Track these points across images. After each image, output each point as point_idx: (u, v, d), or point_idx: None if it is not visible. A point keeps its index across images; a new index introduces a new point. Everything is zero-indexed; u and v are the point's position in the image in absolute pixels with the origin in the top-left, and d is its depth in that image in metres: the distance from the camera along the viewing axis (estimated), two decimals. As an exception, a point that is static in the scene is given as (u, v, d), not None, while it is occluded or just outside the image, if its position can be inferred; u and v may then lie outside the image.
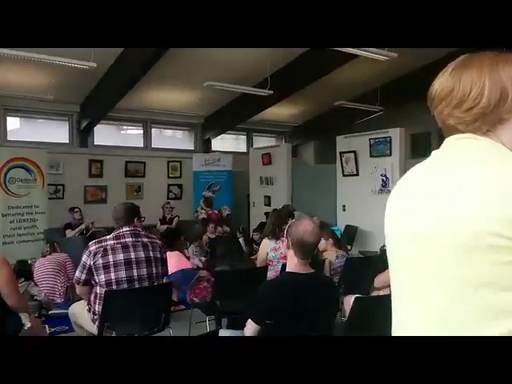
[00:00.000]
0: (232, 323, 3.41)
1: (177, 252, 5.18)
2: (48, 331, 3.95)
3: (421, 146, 9.22)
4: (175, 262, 4.70)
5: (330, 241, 4.19)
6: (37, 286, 4.46)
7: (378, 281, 3.14)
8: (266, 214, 7.80)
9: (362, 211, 6.78)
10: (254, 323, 2.12)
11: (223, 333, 2.43)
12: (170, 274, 4.37)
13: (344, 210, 7.22)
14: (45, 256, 4.98)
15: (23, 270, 4.36)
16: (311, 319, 2.14)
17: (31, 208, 6.65)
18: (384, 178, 6.55)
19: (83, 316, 2.92)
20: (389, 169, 6.47)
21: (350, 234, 6.72)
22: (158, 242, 3.05)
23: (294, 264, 2.18)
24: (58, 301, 4.65)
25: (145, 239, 2.94)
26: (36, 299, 4.33)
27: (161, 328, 2.90)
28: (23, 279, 4.27)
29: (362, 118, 9.30)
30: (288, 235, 2.20)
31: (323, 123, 10.12)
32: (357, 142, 6.97)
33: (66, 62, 5.12)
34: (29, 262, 4.93)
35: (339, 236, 6.13)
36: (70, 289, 4.57)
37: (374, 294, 3.25)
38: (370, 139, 6.72)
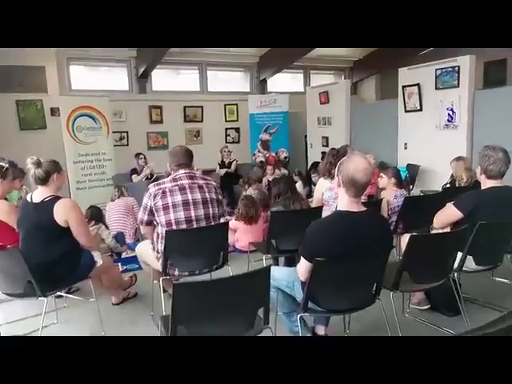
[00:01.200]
0: (288, 261, 3.52)
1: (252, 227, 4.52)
2: (121, 268, 4.32)
3: (495, 75, 8.46)
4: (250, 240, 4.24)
5: (393, 180, 4.06)
6: (107, 228, 4.80)
7: (437, 220, 3.05)
8: (323, 153, 7.69)
9: (424, 149, 6.47)
10: (305, 260, 2.17)
11: (274, 269, 2.50)
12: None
13: (406, 148, 6.91)
14: (114, 200, 5.32)
15: (95, 215, 4.67)
16: (363, 257, 2.14)
17: (99, 155, 7.02)
18: (450, 112, 6.12)
19: (149, 254, 3.13)
20: (456, 101, 6.02)
21: (412, 173, 6.48)
22: (214, 183, 3.13)
23: (344, 202, 2.16)
24: (129, 241, 5.01)
25: (200, 181, 3.03)
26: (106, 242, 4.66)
27: (220, 266, 3.05)
28: (94, 223, 4.58)
29: (427, 47, 8.60)
30: (339, 173, 2.16)
31: (385, 56, 9.49)
32: (421, 73, 6.49)
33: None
34: (99, 207, 5.26)
35: (404, 177, 5.96)
36: (138, 230, 4.88)
37: (434, 232, 3.17)
38: (436, 69, 6.23)
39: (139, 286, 3.65)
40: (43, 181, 2.78)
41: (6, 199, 3.48)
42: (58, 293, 3.08)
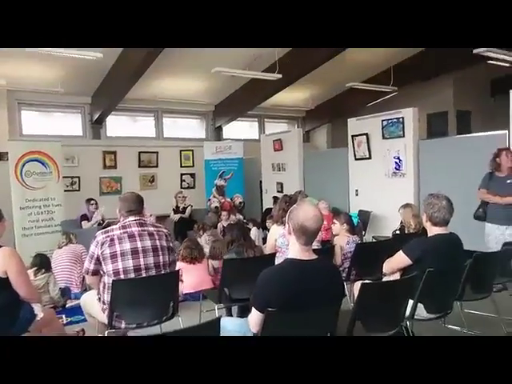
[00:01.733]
0: (242, 311, 3.43)
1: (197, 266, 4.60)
2: (65, 321, 4.06)
3: (437, 126, 9.05)
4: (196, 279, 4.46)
5: (345, 226, 4.15)
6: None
7: (387, 266, 3.10)
8: (275, 198, 7.80)
9: (375, 195, 6.70)
10: (256, 311, 2.12)
11: (225, 321, 2.43)
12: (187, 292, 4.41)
13: (357, 194, 7.14)
14: (61, 247, 5.08)
15: (43, 262, 4.43)
16: (315, 306, 2.12)
17: (48, 200, 6.76)
18: (397, 160, 6.43)
19: (94, 305, 2.96)
20: (402, 150, 6.35)
21: (363, 219, 6.66)
22: (165, 230, 3.06)
23: (295, 250, 2.15)
24: (76, 290, 4.75)
25: (151, 228, 2.95)
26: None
27: (170, 316, 2.93)
28: (44, 271, 4.34)
29: (375, 99, 9.15)
30: (289, 220, 2.16)
31: (335, 107, 9.99)
32: (369, 124, 6.84)
33: (73, 53, 5.24)
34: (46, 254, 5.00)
35: (356, 223, 6.10)
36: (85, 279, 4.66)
37: (384, 279, 3.21)
38: (382, 120, 6.59)
39: (84, 340, 3.43)
40: None
41: None
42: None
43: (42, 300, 4.10)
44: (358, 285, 3.03)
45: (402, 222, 4.98)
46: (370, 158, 6.86)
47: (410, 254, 2.90)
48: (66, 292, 4.57)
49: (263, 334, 2.10)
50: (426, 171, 6.18)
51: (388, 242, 4.47)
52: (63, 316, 4.16)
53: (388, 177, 6.56)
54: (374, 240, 5.88)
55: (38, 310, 2.82)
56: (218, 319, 1.96)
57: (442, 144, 6.25)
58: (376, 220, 6.71)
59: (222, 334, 2.27)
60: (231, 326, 2.41)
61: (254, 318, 2.14)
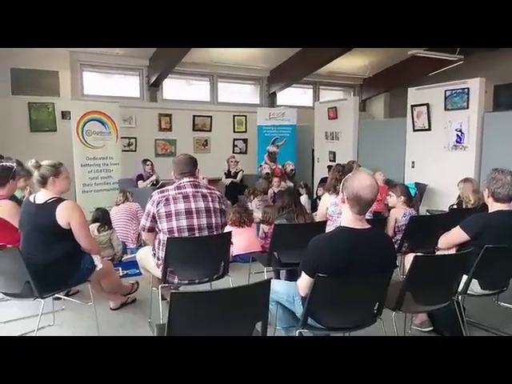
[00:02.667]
0: (290, 275, 3.47)
1: (246, 229, 4.69)
2: (121, 273, 4.30)
3: (505, 98, 8.44)
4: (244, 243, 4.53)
5: (402, 198, 4.02)
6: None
7: (443, 241, 3.01)
8: (329, 167, 7.68)
9: (432, 168, 6.43)
10: (306, 275, 2.14)
11: (275, 282, 2.47)
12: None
13: (413, 166, 6.88)
14: (118, 205, 5.31)
15: (103, 217, 4.66)
16: (365, 275, 2.11)
17: (106, 159, 7.05)
18: (459, 133, 6.10)
19: (149, 260, 3.11)
20: (465, 123, 6.01)
21: (419, 192, 6.43)
22: (218, 192, 3.11)
23: (348, 219, 2.13)
24: (131, 246, 4.99)
25: (204, 190, 3.01)
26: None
27: (220, 276, 3.02)
28: (106, 227, 4.57)
29: (436, 68, 8.64)
30: (344, 189, 2.13)
31: (394, 75, 9.53)
32: (431, 94, 6.49)
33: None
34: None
35: (413, 194, 5.92)
36: (140, 235, 4.86)
37: (438, 253, 3.12)
38: (445, 91, 6.24)
39: (138, 291, 3.62)
40: (41, 184, 2.80)
41: (15, 197, 3.50)
42: (57, 295, 3.05)
43: (103, 254, 4.36)
44: (409, 257, 2.97)
45: (459, 197, 4.77)
46: (429, 129, 6.55)
47: (468, 230, 2.80)
48: (122, 247, 4.81)
49: (311, 298, 2.12)
50: (489, 145, 5.83)
51: (444, 216, 4.31)
52: (120, 269, 4.39)
53: (447, 150, 6.25)
54: (427, 214, 5.68)
55: (98, 261, 2.99)
56: (269, 280, 1.99)
57: (509, 117, 5.84)
58: (431, 194, 6.47)
59: (271, 295, 2.32)
60: (280, 287, 2.45)
61: (304, 282, 2.16)
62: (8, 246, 3.00)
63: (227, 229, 4.30)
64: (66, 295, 3.47)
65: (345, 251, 2.07)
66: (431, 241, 3.32)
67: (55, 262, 2.72)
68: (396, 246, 3.73)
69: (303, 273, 2.16)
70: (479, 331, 3.04)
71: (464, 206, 4.51)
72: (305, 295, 2.17)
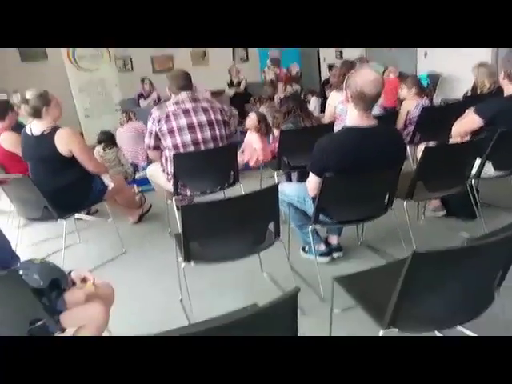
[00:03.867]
0: (301, 175, 3.47)
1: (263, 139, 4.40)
2: (136, 190, 4.36)
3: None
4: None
5: (413, 90, 3.84)
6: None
7: (456, 128, 2.90)
8: (330, 66, 7.36)
9: (445, 56, 6.08)
10: (314, 176, 2.11)
11: (284, 185, 2.47)
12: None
13: (425, 56, 6.53)
14: (123, 125, 5.24)
15: (109, 138, 4.63)
16: (373, 171, 2.07)
17: (104, 82, 6.82)
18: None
19: (159, 176, 3.12)
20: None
21: (433, 82, 6.17)
22: (218, 105, 3.01)
23: (354, 117, 2.05)
24: (142, 164, 5.00)
25: (204, 104, 2.92)
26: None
27: (231, 184, 3.03)
28: (112, 146, 4.56)
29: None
30: (347, 87, 2.03)
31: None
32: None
33: None
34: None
35: (425, 85, 5.67)
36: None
37: (451, 142, 3.04)
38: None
39: (155, 205, 3.67)
40: (35, 115, 2.70)
41: (21, 125, 3.45)
42: (77, 215, 3.13)
43: (114, 173, 4.39)
44: (421, 147, 2.91)
45: (474, 84, 4.55)
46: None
47: (481, 114, 2.68)
48: (133, 167, 4.82)
49: (321, 196, 2.11)
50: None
51: (458, 104, 4.14)
52: (134, 186, 4.44)
53: (461, 33, 5.85)
54: (442, 104, 5.49)
55: (108, 181, 3.01)
56: (277, 185, 1.99)
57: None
58: (446, 83, 6.21)
59: (283, 198, 2.34)
60: (290, 190, 2.45)
61: (312, 183, 2.15)
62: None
63: (249, 137, 4.26)
64: (87, 214, 3.57)
65: (351, 150, 2.02)
66: (444, 131, 3.22)
67: (66, 188, 2.74)
68: (408, 138, 3.67)
69: (311, 174, 2.14)
70: (493, 211, 3.03)
71: (479, 92, 4.31)
72: (314, 196, 2.17)
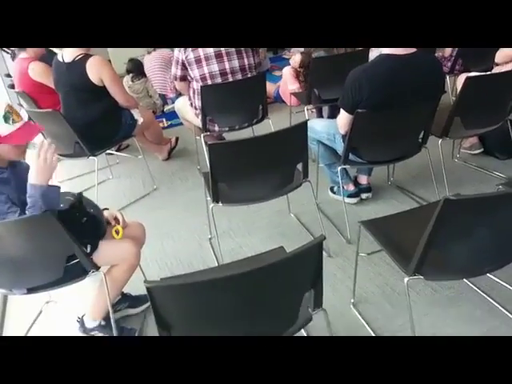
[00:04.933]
0: (332, 111, 3.35)
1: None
2: (165, 124, 4.35)
3: None
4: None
5: None
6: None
7: (500, 53, 2.66)
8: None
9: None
10: (345, 112, 2.03)
11: (314, 122, 2.39)
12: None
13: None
14: (150, 53, 5.10)
15: (137, 68, 4.55)
16: (408, 105, 1.97)
17: None
18: None
19: (188, 111, 3.09)
20: None
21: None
22: (246, 31, 2.86)
23: None
24: (171, 95, 4.93)
25: (232, 29, 2.77)
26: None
27: (260, 119, 2.97)
28: (140, 76, 4.50)
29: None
30: None
31: None
32: None
33: None
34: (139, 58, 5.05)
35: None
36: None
37: (496, 70, 2.82)
38: None
39: (185, 140, 3.67)
40: None
41: (53, 54, 3.41)
42: (108, 151, 3.19)
43: (143, 105, 4.37)
44: (462, 78, 2.72)
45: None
46: None
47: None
48: (162, 98, 4.77)
49: (352, 135, 2.05)
50: None
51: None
52: (163, 120, 4.43)
53: None
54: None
55: (138, 115, 3.00)
56: (305, 122, 1.92)
57: None
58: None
59: (312, 135, 2.28)
60: (320, 127, 2.39)
61: (343, 119, 2.07)
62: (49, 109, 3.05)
63: (286, 73, 4.06)
64: (118, 150, 3.63)
65: (385, 81, 1.90)
66: (489, 56, 2.96)
67: (97, 121, 2.76)
68: (449, 65, 3.43)
69: (342, 110, 2.06)
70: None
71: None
72: (345, 133, 2.11)
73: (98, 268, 1.65)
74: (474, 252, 1.41)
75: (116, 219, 1.79)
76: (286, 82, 4.10)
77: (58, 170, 3.31)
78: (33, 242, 1.52)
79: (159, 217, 2.74)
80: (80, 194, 1.71)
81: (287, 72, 4.11)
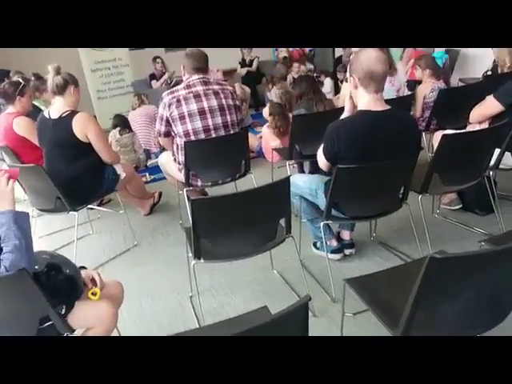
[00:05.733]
0: (314, 166, 3.41)
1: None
2: (148, 178, 4.36)
3: None
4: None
5: (427, 71, 3.70)
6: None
7: (474, 113, 2.79)
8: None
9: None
10: (325, 159, 2.08)
11: (296, 177, 2.42)
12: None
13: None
14: (135, 109, 5.21)
15: (123, 123, 4.63)
16: (388, 159, 2.01)
17: (115, 61, 6.75)
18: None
19: (171, 166, 3.10)
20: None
21: (450, 59, 5.94)
22: (229, 88, 2.95)
23: (365, 102, 1.97)
24: (154, 150, 4.99)
25: (215, 87, 2.86)
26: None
27: (242, 174, 3.00)
28: (128, 130, 4.57)
29: None
30: (352, 72, 1.96)
31: None
32: None
33: None
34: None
35: (442, 64, 5.45)
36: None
37: (469, 128, 2.94)
38: None
39: (167, 194, 3.66)
40: (61, 89, 2.69)
41: (39, 110, 3.44)
42: (90, 205, 3.15)
43: (128, 159, 4.39)
44: (438, 135, 2.82)
45: (495, 61, 4.37)
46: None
47: (502, 99, 2.57)
48: (145, 153, 4.81)
49: (333, 189, 2.07)
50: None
51: (477, 85, 3.99)
52: (146, 174, 4.45)
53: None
54: (461, 84, 5.31)
55: (120, 170, 3.00)
56: (288, 178, 1.94)
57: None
58: (465, 60, 5.98)
59: (294, 190, 2.30)
60: (302, 182, 2.41)
61: (322, 161, 2.11)
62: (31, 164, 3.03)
63: (265, 131, 4.18)
64: (99, 205, 3.59)
65: (362, 134, 1.95)
66: (462, 116, 3.10)
67: (79, 176, 2.74)
68: (423, 125, 3.56)
69: (322, 155, 2.09)
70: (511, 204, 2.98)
71: (499, 71, 4.14)
72: (327, 170, 2.14)
73: (72, 331, 1.56)
74: (464, 312, 1.38)
75: (93, 280, 1.73)
76: (267, 140, 4.20)
77: (38, 225, 3.28)
78: (4, 302, 1.45)
79: (139, 274, 2.67)
80: (56, 253, 1.66)
81: (266, 130, 4.23)
